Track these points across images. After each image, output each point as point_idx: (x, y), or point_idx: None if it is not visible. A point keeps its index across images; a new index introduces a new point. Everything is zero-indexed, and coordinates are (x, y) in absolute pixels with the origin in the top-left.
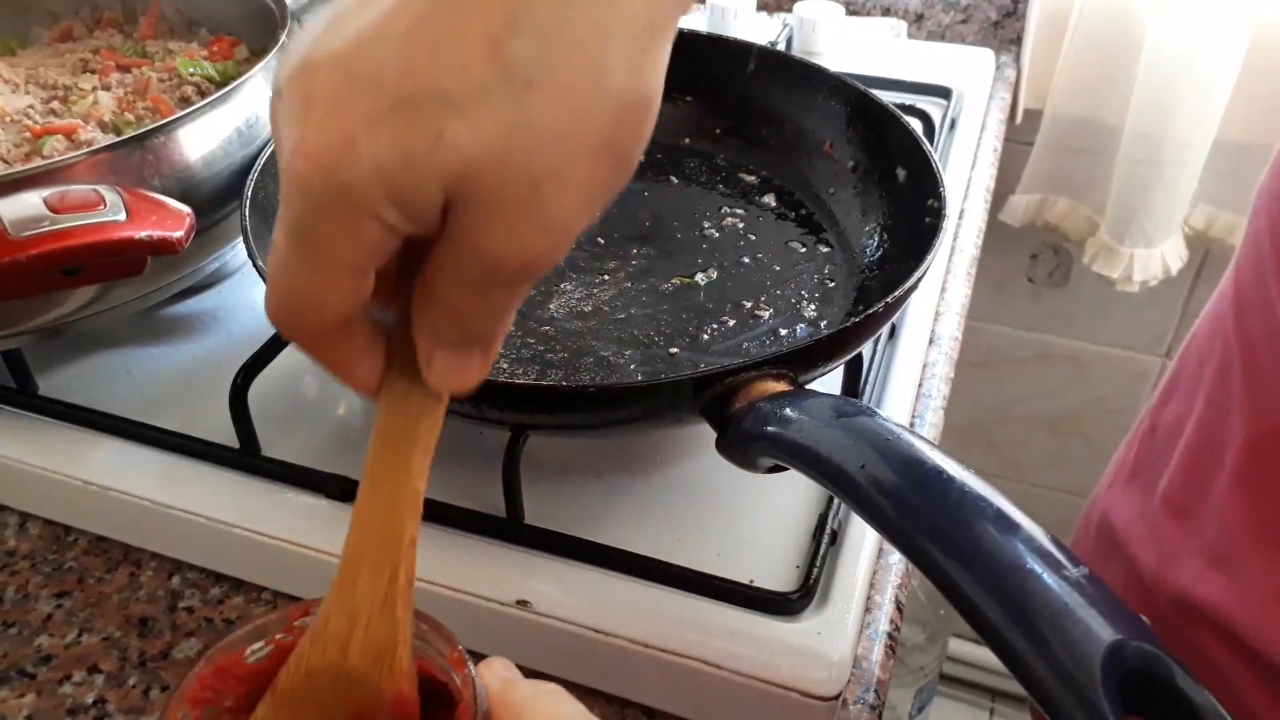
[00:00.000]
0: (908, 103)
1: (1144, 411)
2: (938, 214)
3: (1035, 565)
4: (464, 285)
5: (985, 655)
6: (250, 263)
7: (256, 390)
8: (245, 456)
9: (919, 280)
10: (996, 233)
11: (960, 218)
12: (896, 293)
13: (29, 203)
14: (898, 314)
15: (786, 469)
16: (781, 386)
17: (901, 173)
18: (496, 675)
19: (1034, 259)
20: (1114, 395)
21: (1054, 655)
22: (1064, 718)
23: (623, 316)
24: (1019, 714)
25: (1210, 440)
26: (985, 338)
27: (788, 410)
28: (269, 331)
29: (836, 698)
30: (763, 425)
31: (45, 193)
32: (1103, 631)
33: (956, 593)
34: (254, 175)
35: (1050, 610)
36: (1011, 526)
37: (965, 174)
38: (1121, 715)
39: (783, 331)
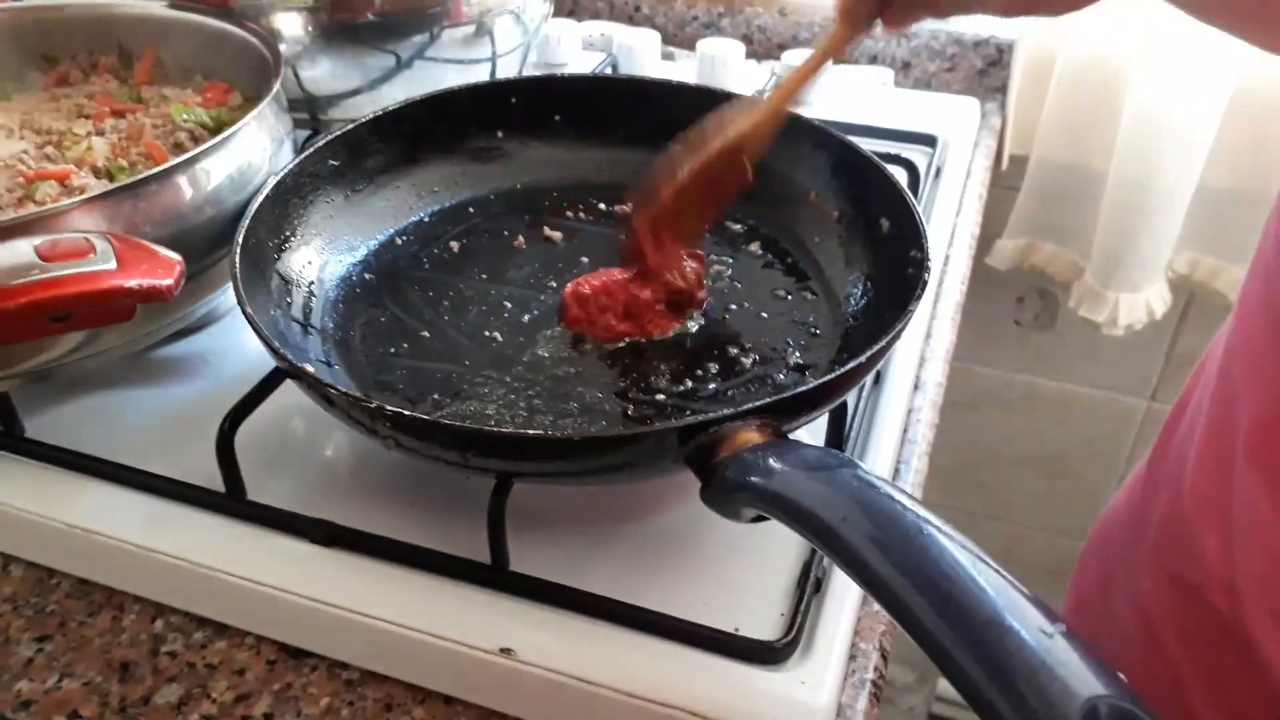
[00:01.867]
0: (894, 151)
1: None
2: (920, 265)
3: (1013, 622)
4: None
5: None
6: (240, 309)
7: (245, 431)
8: (231, 501)
9: (900, 332)
10: (983, 276)
11: (945, 264)
12: (878, 345)
13: (20, 250)
14: (882, 363)
15: (769, 519)
16: (765, 436)
17: (885, 223)
18: None
19: (1020, 302)
20: (1101, 436)
21: (1031, 712)
22: None
23: (610, 361)
24: None
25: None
26: (973, 380)
27: (771, 461)
28: (258, 374)
29: None
30: (746, 475)
31: (36, 240)
32: (1080, 688)
33: (936, 648)
34: (245, 222)
35: (1028, 668)
36: (991, 582)
37: (951, 220)
38: None
39: (768, 379)
